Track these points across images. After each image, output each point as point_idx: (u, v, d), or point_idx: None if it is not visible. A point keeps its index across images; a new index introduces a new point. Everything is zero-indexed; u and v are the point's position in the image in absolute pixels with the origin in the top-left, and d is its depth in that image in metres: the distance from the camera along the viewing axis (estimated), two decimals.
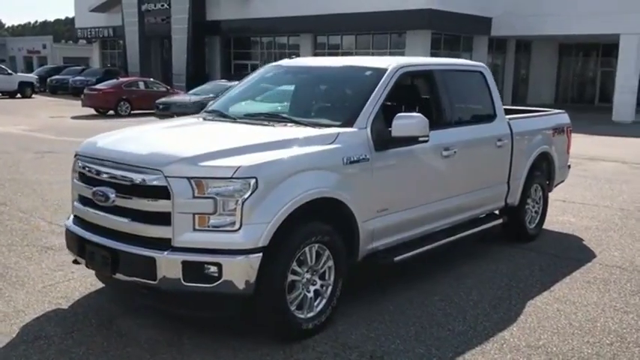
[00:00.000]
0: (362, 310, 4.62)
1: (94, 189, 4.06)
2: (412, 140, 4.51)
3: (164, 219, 3.77)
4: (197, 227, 3.73)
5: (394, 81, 4.85)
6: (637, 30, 25.72)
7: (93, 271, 5.20)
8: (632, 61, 25.98)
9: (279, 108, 5.05)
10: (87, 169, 4.23)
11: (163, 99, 20.50)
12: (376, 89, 4.72)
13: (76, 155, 4.44)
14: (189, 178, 3.72)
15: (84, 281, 5.17)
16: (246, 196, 3.70)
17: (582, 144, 14.23)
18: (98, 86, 24.11)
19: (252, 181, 3.72)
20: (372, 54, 30.64)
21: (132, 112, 23.32)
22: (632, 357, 4.03)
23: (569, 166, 7.74)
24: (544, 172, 6.97)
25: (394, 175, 4.72)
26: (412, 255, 4.94)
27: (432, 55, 28.04)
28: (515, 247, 6.52)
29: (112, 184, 3.99)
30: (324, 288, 4.24)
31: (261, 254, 3.74)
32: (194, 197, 3.71)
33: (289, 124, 4.56)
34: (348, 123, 4.51)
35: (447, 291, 5.15)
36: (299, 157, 4.01)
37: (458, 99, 5.58)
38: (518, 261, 6.08)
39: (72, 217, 4.55)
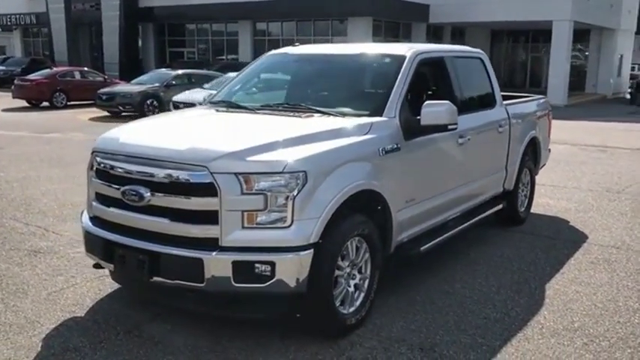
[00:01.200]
0: (391, 302, 4.56)
1: (124, 188, 3.77)
2: (441, 128, 4.46)
3: (210, 217, 3.55)
4: (246, 225, 3.54)
5: (414, 68, 4.78)
6: (568, 17, 26.82)
7: (96, 275, 4.97)
8: (564, 47, 27.09)
9: (295, 97, 4.85)
10: (110, 166, 3.93)
11: (106, 89, 19.62)
12: (399, 77, 4.63)
13: (93, 152, 4.12)
14: (236, 174, 3.52)
15: (89, 286, 4.86)
16: (296, 190, 3.54)
17: None
18: (31, 76, 22.78)
19: (302, 175, 3.57)
20: (314, 41, 30.56)
21: (68, 103, 22.20)
22: None
23: (549, 150, 7.94)
24: (531, 156, 7.12)
25: (420, 164, 4.67)
26: (435, 244, 4.92)
27: (374, 41, 28.22)
28: (509, 231, 6.63)
29: (145, 183, 3.72)
30: (362, 282, 4.15)
31: (312, 251, 3.60)
32: (242, 194, 3.51)
33: (316, 115, 4.40)
34: (377, 112, 4.41)
35: (465, 278, 5.17)
36: (342, 149, 3.88)
37: (466, 85, 5.59)
38: (518, 245, 6.18)
39: (86, 217, 4.24)
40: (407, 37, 31.19)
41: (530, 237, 6.47)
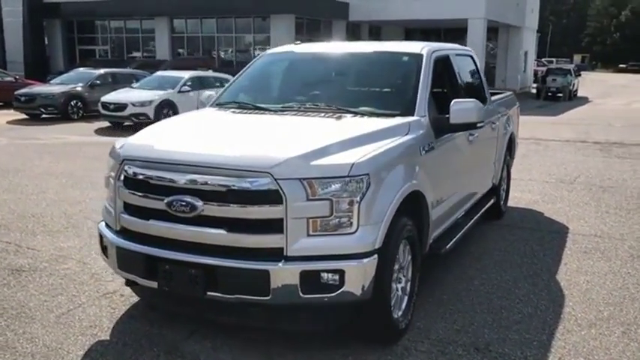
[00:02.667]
0: (421, 304, 4.52)
1: (170, 199, 3.48)
2: (470, 126, 4.47)
3: (273, 226, 3.35)
4: (311, 232, 3.37)
5: (432, 66, 4.77)
6: (482, 15, 27.99)
7: (100, 293, 4.62)
8: (479, 44, 28.21)
9: (316, 97, 4.68)
10: (149, 176, 3.61)
11: (24, 90, 18.30)
12: (422, 75, 4.60)
13: (123, 161, 3.77)
14: (301, 179, 3.34)
15: (99, 305, 4.49)
16: (361, 194, 3.41)
17: None
18: None
19: (366, 179, 3.44)
20: (236, 38, 30.08)
21: None
22: None
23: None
24: (509, 151, 7.32)
25: (446, 162, 4.66)
26: (455, 242, 4.93)
27: (297, 39, 28.17)
28: (495, 225, 6.79)
29: (195, 192, 3.45)
30: (407, 285, 4.08)
31: (377, 256, 3.49)
32: (308, 200, 3.34)
33: (348, 115, 4.27)
34: (408, 112, 4.35)
35: (479, 275, 5.22)
36: (394, 150, 3.79)
37: (465, 82, 5.65)
38: (510, 238, 6.34)
39: (109, 231, 3.89)
40: (328, 35, 31.34)
41: (517, 230, 6.65)
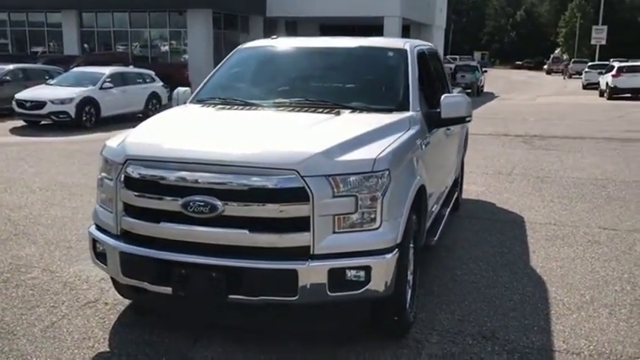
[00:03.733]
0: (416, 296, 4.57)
1: (187, 199, 3.30)
2: (460, 120, 4.55)
3: (299, 224, 3.26)
4: (336, 230, 3.32)
5: (417, 61, 4.82)
6: (398, 13, 28.69)
7: (81, 302, 4.37)
8: None
9: (306, 93, 4.59)
10: (159, 176, 3.41)
11: None
12: (410, 70, 4.65)
13: (126, 161, 3.53)
14: (327, 176, 3.27)
15: (85, 315, 4.22)
16: (383, 190, 3.40)
17: None
18: None
19: (387, 174, 3.43)
20: (150, 33, 29.13)
21: None
22: None
23: None
24: (465, 144, 7.56)
25: (434, 156, 4.73)
26: (440, 233, 5.03)
27: (215, 35, 27.73)
28: (454, 216, 6.95)
29: (214, 192, 3.30)
30: (411, 278, 4.11)
31: (398, 251, 3.49)
32: (334, 197, 3.28)
33: (346, 111, 4.22)
34: (403, 107, 4.37)
35: (459, 265, 5.35)
36: (404, 145, 3.78)
37: (437, 77, 5.76)
38: (474, 229, 6.54)
39: (105, 236, 3.65)
40: (245, 31, 31.04)
41: (477, 220, 6.88)
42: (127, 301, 4.40)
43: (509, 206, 7.56)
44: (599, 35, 40.05)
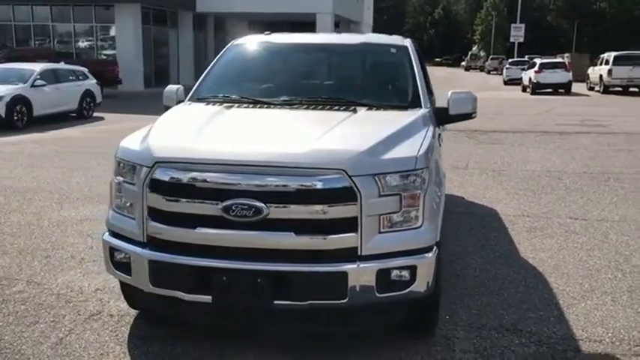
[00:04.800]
0: None
1: (229, 203, 3.14)
2: (467, 116, 4.59)
3: (345, 225, 3.18)
4: (382, 230, 3.26)
5: (418, 57, 4.83)
6: (330, 10, 28.82)
7: (83, 316, 4.08)
8: None
9: (313, 90, 4.48)
10: (192, 179, 3.22)
11: None
12: (415, 67, 4.65)
13: (154, 164, 3.32)
14: (373, 175, 3.21)
15: (94, 329, 3.96)
16: (424, 188, 3.38)
17: None
18: None
19: (427, 171, 3.41)
20: (75, 28, 27.85)
21: None
22: None
23: None
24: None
25: (440, 153, 4.75)
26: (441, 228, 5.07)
27: (144, 30, 26.88)
28: None
29: (256, 194, 3.15)
30: None
31: (437, 250, 3.47)
32: (380, 196, 3.22)
33: (361, 108, 4.15)
34: (415, 104, 4.36)
35: (455, 260, 5.41)
36: (432, 144, 3.76)
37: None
38: (456, 223, 6.63)
39: (132, 244, 3.43)
40: (174, 26, 30.27)
41: (454, 215, 6.96)
42: (133, 312, 4.17)
43: (478, 199, 7.74)
44: (518, 33, 41.84)
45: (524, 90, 30.71)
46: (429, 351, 3.72)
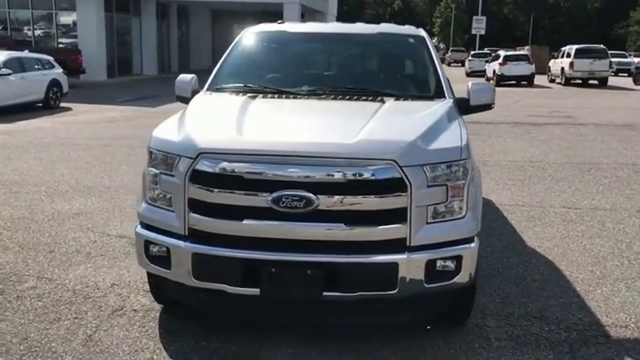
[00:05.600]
0: None
1: (278, 194, 3.08)
2: (486, 107, 4.62)
3: (396, 216, 3.16)
4: (429, 220, 3.26)
5: (433, 48, 4.85)
6: (296, 0, 28.63)
7: (105, 311, 4.01)
8: None
9: (336, 80, 4.43)
10: (240, 170, 3.15)
11: None
12: (434, 57, 4.66)
13: (198, 155, 3.22)
14: (422, 165, 3.20)
15: (120, 324, 3.85)
16: (468, 178, 3.39)
17: None
18: None
19: (469, 162, 3.42)
20: (33, 15, 26.94)
21: None
22: None
23: None
24: None
25: None
26: None
27: (107, 18, 26.21)
28: None
29: (306, 185, 3.10)
30: None
31: (478, 240, 3.50)
32: (428, 186, 3.22)
33: (389, 98, 4.13)
34: (439, 94, 4.37)
35: None
36: (467, 134, 3.78)
37: None
38: None
39: (172, 237, 3.34)
40: (137, 14, 29.58)
41: None
42: (157, 307, 4.08)
43: None
44: (480, 25, 42.42)
45: (487, 82, 31.19)
46: (466, 339, 3.75)
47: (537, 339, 3.78)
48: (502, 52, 31.66)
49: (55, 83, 16.74)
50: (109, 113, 15.88)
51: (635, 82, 30.50)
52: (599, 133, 13.42)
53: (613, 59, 31.45)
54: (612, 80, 30.81)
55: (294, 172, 3.11)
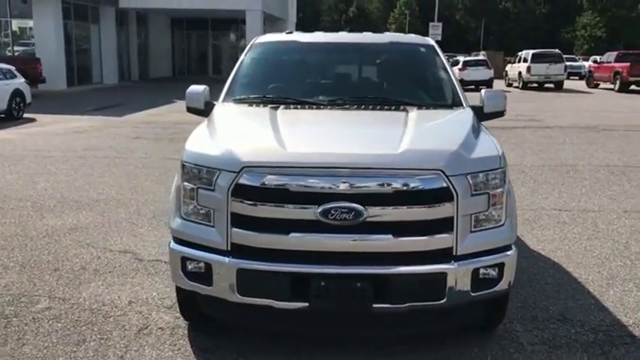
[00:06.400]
0: None
1: (326, 207, 3.06)
2: (499, 115, 4.70)
3: (443, 226, 3.18)
4: (472, 229, 3.29)
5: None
6: (260, 7, 28.56)
7: (131, 330, 3.90)
8: (257, 35, 28.64)
9: (356, 90, 4.43)
10: (286, 183, 3.11)
11: None
12: (446, 65, 4.71)
13: (242, 168, 3.17)
14: (465, 175, 3.23)
15: (149, 344, 3.75)
16: (505, 186, 3.44)
17: None
18: None
19: (507, 170, 3.47)
20: None
21: None
22: None
23: None
24: None
25: None
26: None
27: (65, 26, 25.59)
28: None
29: (354, 197, 3.09)
30: None
31: (515, 247, 3.54)
32: (471, 195, 3.25)
33: (412, 108, 4.16)
34: (456, 103, 4.43)
35: None
36: (497, 141, 3.83)
37: None
38: None
39: (212, 253, 3.27)
40: (96, 22, 28.96)
41: None
42: (182, 324, 3.99)
43: None
44: (436, 31, 42.94)
45: None
46: (500, 345, 3.79)
47: (567, 342, 3.86)
48: (461, 58, 32.28)
49: (17, 93, 16.21)
50: (75, 123, 15.47)
51: (588, 84, 31.57)
52: (566, 135, 13.81)
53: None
54: (565, 83, 31.79)
55: (343, 184, 3.09)
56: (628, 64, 27.25)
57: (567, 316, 4.23)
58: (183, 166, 3.44)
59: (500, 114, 4.69)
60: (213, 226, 3.29)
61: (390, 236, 3.14)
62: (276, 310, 3.23)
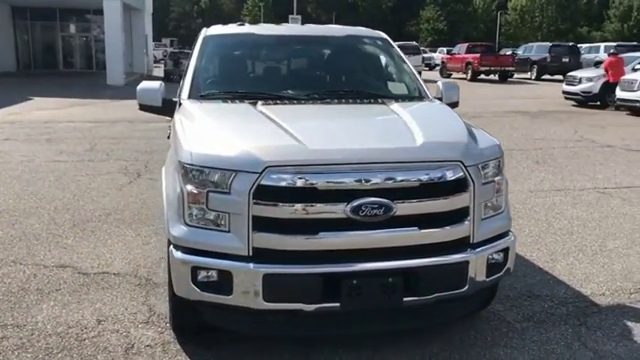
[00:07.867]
0: None
1: (356, 203, 2.98)
2: (454, 106, 4.86)
3: (461, 215, 3.25)
4: (483, 216, 3.39)
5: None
6: None
7: (124, 350, 3.62)
8: (117, 28, 27.09)
9: (326, 84, 4.32)
10: (312, 182, 2.99)
11: None
12: (404, 58, 4.80)
13: (265, 168, 2.98)
14: (478, 164, 3.33)
15: (163, 355, 3.44)
16: (503, 174, 3.59)
17: None
18: None
19: (502, 160, 3.62)
20: None
21: None
22: None
23: None
24: None
25: None
26: None
27: None
28: None
29: (382, 192, 3.05)
30: None
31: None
32: (483, 184, 3.35)
33: (390, 100, 4.18)
34: (422, 94, 4.53)
35: None
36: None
37: None
38: None
39: (231, 260, 3.07)
40: None
41: None
42: (169, 339, 3.72)
43: None
44: (296, 24, 43.56)
45: None
46: (491, 326, 3.96)
47: (547, 316, 4.12)
48: None
49: None
50: None
51: (442, 74, 33.77)
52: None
53: None
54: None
55: (373, 180, 3.04)
56: (478, 55, 29.50)
57: (534, 292, 4.52)
58: (185, 169, 3.17)
59: (455, 104, 4.86)
60: (228, 231, 3.08)
61: (416, 228, 3.15)
62: (289, 314, 3.13)
